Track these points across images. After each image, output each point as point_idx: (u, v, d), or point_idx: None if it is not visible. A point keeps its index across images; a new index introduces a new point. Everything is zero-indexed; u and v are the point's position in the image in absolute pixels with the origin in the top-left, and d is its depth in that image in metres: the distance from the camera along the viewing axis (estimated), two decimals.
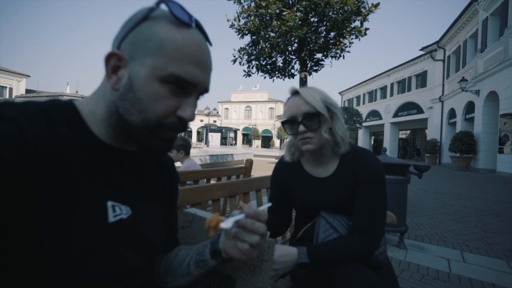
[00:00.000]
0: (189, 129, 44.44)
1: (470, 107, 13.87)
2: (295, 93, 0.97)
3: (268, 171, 1.22)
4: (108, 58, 0.43)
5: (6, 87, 28.55)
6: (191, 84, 0.44)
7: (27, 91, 32.28)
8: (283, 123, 0.98)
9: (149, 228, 0.53)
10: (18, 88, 29.76)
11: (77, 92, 37.03)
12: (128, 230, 0.48)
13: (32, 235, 0.37)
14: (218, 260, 0.52)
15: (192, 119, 0.46)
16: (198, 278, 0.56)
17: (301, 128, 0.92)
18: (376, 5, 6.00)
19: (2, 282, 0.37)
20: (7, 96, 27.69)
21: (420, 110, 19.61)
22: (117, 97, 0.44)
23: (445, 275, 2.15)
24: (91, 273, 0.42)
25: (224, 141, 42.56)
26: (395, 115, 22.18)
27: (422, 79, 19.65)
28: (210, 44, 0.49)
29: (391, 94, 22.92)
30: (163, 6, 0.44)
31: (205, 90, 0.48)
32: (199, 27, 0.46)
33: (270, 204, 0.57)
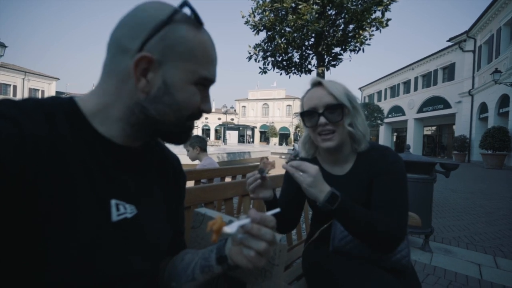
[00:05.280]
0: (207, 127, 45.26)
1: (504, 100, 12.88)
2: (317, 84, 0.94)
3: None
4: (139, 61, 0.43)
5: (38, 90, 30.56)
6: (210, 81, 0.50)
7: (57, 93, 34.38)
8: (302, 114, 0.94)
9: (154, 228, 0.52)
10: (49, 91, 31.75)
11: None
12: (133, 230, 0.47)
13: (33, 234, 0.36)
14: (224, 266, 0.49)
15: (211, 111, 0.53)
16: (204, 284, 0.54)
17: (322, 120, 0.88)
18: None
19: (3, 282, 0.37)
20: None
21: (447, 105, 18.53)
22: (145, 99, 0.45)
23: (476, 282, 2.00)
24: (93, 274, 0.41)
25: (241, 139, 42.83)
26: (420, 110, 21.12)
27: (449, 72, 18.52)
28: (202, 23, 0.48)
29: (415, 89, 21.83)
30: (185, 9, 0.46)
31: (214, 81, 0.52)
32: (190, 8, 0.46)
33: (278, 210, 0.53)
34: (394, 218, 0.81)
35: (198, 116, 0.50)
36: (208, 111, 0.51)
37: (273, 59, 7.06)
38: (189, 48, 0.45)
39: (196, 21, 0.46)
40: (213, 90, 0.55)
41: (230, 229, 0.44)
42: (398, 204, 0.84)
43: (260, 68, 7.20)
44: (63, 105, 0.44)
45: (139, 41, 0.43)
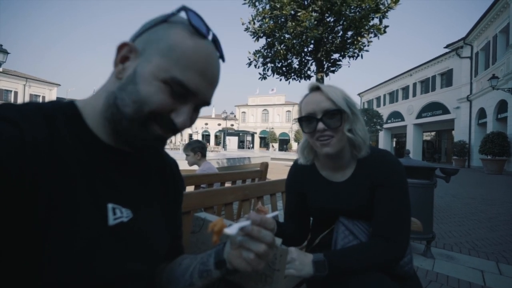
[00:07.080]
0: (207, 133, 45.31)
1: (502, 106, 12.96)
2: (315, 88, 0.92)
3: (285, 175, 1.19)
4: (121, 47, 0.44)
5: (39, 96, 30.64)
6: (191, 92, 0.44)
7: (58, 99, 34.17)
8: (299, 120, 0.92)
9: (151, 232, 0.51)
10: (50, 97, 31.81)
11: None
12: (129, 234, 0.46)
13: (32, 236, 0.36)
14: (223, 271, 0.49)
15: (183, 127, 0.45)
16: None
17: (320, 125, 0.86)
18: (395, 1, 5.78)
19: (2, 283, 0.37)
20: None
21: (445, 111, 18.63)
22: (117, 87, 0.44)
23: None
24: (90, 276, 0.40)
25: (241, 145, 42.85)
26: (419, 116, 21.22)
27: (447, 77, 18.69)
28: (223, 60, 0.50)
29: (414, 95, 21.98)
30: (183, 14, 0.45)
31: (206, 103, 0.48)
32: (215, 42, 0.47)
33: (277, 213, 0.53)
34: (394, 242, 0.84)
35: (166, 123, 0.44)
36: (179, 124, 0.44)
37: (272, 65, 7.13)
38: (170, 46, 0.42)
39: (192, 28, 0.44)
40: (213, 95, 0.50)
41: (230, 230, 0.44)
42: (399, 220, 0.86)
43: (260, 74, 7.27)
44: (64, 108, 0.45)
45: (134, 36, 0.46)
